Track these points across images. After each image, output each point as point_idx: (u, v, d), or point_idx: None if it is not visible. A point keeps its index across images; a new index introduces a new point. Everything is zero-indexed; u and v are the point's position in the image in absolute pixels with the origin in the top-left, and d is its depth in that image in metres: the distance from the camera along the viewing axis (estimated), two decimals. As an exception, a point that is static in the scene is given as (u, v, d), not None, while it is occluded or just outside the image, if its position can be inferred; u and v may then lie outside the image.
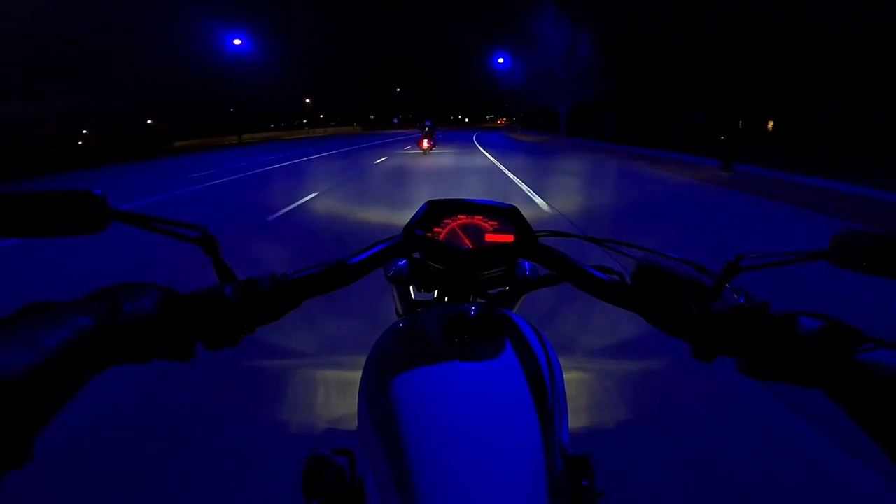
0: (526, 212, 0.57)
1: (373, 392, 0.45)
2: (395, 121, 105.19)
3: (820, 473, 1.42)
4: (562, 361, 0.49)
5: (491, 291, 0.64)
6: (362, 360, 0.50)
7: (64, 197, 0.39)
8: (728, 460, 1.50)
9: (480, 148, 17.96)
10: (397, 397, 0.41)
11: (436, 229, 0.56)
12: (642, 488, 1.40)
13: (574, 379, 1.97)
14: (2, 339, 0.29)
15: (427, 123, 15.83)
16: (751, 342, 0.40)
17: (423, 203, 0.57)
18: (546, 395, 0.42)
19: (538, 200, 6.30)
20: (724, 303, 0.42)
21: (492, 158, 13.17)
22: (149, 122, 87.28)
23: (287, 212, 6.22)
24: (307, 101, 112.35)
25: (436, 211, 0.56)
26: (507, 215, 0.56)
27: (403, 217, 0.82)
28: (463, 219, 0.57)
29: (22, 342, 0.30)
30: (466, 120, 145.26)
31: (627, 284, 0.49)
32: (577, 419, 1.70)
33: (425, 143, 15.25)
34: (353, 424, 0.48)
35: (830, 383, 0.35)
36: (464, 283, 0.59)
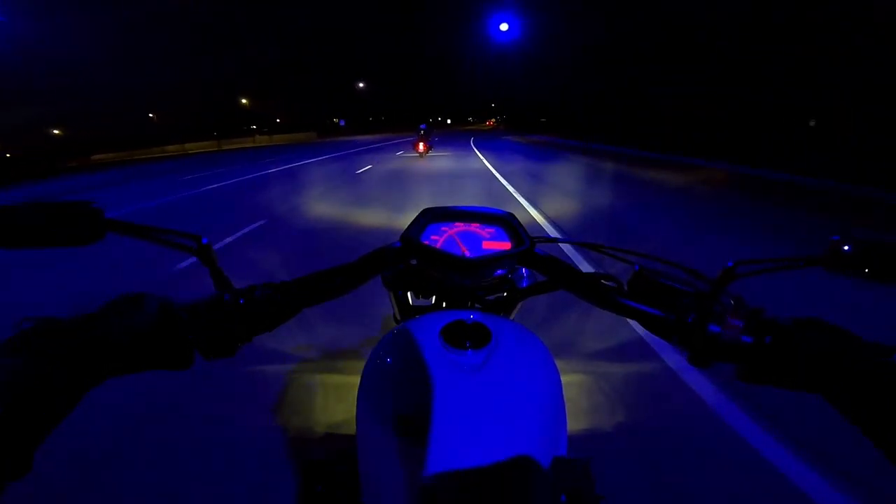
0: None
1: (371, 398, 0.45)
2: (342, 123, 69.62)
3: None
4: (560, 365, 0.49)
5: (488, 298, 0.64)
6: (361, 364, 0.50)
7: (59, 208, 0.39)
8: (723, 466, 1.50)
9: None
10: (395, 403, 0.41)
11: (433, 237, 0.56)
12: (641, 492, 1.39)
13: (572, 382, 1.97)
14: (1, 355, 0.30)
15: (422, 127, 15.75)
16: (748, 348, 0.40)
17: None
18: (544, 400, 0.43)
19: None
20: (720, 309, 0.42)
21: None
22: (55, 132, 68.78)
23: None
24: (243, 101, 76.02)
25: (433, 218, 0.57)
26: (503, 222, 0.56)
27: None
28: (460, 226, 0.57)
29: (20, 358, 0.30)
30: (448, 122, 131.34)
31: (624, 291, 0.49)
32: (575, 423, 1.70)
33: (421, 146, 15.05)
34: (352, 429, 0.48)
35: (828, 388, 0.35)
36: (461, 289, 0.60)
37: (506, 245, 0.55)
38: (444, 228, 0.57)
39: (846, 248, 0.39)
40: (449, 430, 0.37)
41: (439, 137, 30.65)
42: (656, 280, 0.48)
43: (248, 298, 0.44)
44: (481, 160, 13.31)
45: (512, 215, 0.57)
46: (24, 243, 0.39)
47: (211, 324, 0.42)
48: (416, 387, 0.41)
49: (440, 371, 0.42)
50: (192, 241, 0.43)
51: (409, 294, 0.68)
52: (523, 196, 6.85)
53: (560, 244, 0.60)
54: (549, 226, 4.93)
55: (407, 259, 0.54)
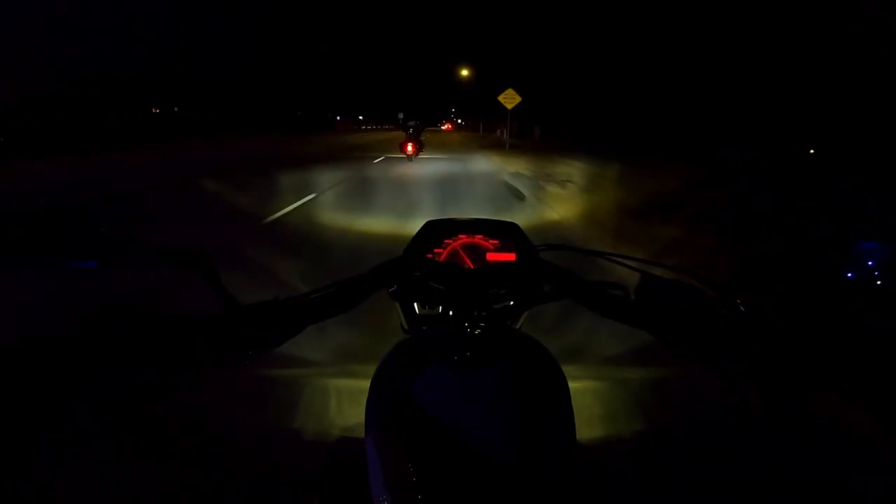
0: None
1: (380, 408, 0.45)
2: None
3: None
4: (568, 370, 0.49)
5: (494, 307, 0.64)
6: (373, 369, 0.51)
7: (51, 219, 0.38)
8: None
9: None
10: (403, 413, 0.41)
11: (437, 250, 0.56)
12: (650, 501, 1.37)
13: (581, 388, 1.95)
14: None
15: (410, 125, 14.75)
16: (763, 353, 0.39)
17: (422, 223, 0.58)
18: (551, 409, 0.42)
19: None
20: (731, 314, 0.41)
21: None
22: None
23: None
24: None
25: (436, 231, 0.57)
26: (507, 233, 0.56)
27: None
28: (464, 238, 0.57)
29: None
30: (360, 118, 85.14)
31: (631, 300, 0.49)
32: (584, 431, 1.67)
33: (409, 146, 13.41)
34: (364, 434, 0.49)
35: (854, 383, 0.34)
36: (467, 300, 0.60)
37: (510, 256, 0.55)
38: (447, 241, 0.57)
39: (866, 255, 0.38)
40: (456, 439, 0.37)
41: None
42: (664, 287, 0.48)
43: (252, 315, 0.43)
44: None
45: (516, 226, 0.57)
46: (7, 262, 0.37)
47: (213, 342, 0.40)
48: (422, 397, 0.41)
49: (447, 382, 0.42)
50: (191, 254, 0.42)
51: (415, 304, 0.69)
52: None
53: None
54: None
55: (411, 272, 0.55)
